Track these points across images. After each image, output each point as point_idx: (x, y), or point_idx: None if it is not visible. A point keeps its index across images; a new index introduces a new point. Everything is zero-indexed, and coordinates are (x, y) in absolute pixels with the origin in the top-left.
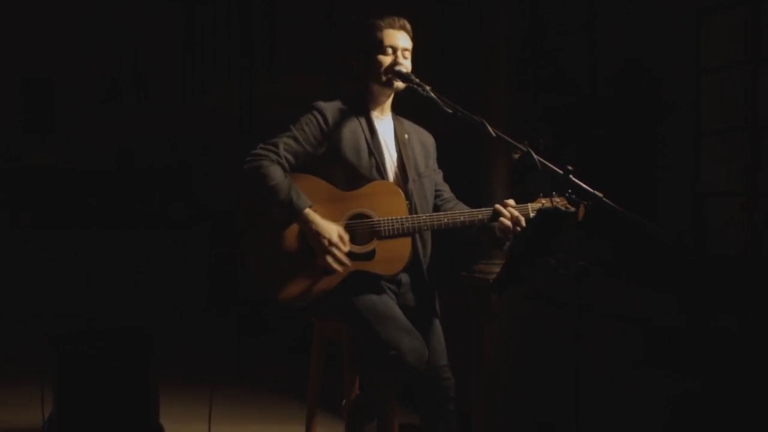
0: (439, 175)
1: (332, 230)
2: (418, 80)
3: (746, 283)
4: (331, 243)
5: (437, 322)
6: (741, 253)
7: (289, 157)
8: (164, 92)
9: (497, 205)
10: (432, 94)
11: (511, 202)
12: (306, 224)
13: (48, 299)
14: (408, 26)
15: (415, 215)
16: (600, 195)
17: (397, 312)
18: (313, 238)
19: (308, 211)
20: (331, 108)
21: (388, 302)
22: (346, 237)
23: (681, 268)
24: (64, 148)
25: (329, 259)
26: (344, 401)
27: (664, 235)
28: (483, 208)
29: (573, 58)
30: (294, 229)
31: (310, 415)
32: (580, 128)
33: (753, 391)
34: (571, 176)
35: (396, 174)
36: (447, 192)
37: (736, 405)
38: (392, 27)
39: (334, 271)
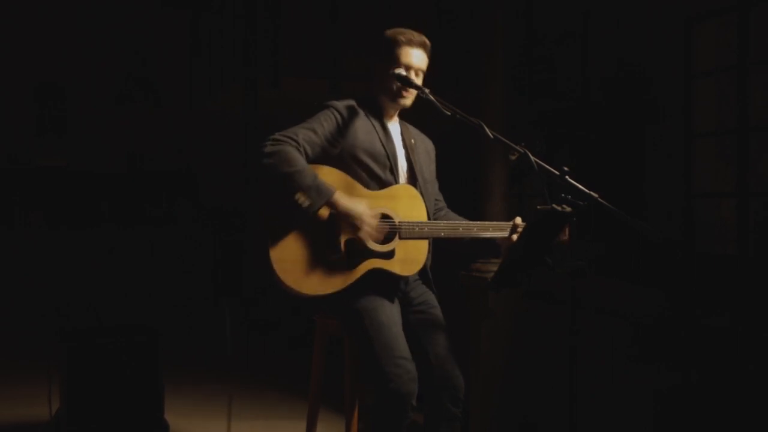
0: (437, 185)
1: (361, 208)
2: (417, 83)
3: (736, 281)
4: (363, 220)
5: (443, 325)
6: (730, 251)
7: (307, 147)
8: (172, 97)
9: (514, 222)
10: (431, 97)
11: (518, 220)
12: (336, 206)
13: (58, 295)
14: (428, 44)
15: (433, 221)
16: (596, 195)
17: (400, 336)
18: (344, 219)
19: (338, 193)
20: (346, 108)
21: (393, 324)
22: (373, 212)
23: (672, 266)
24: (75, 151)
25: (363, 234)
26: None
27: (655, 235)
28: (494, 222)
29: (567, 64)
30: (311, 222)
31: (312, 411)
32: (573, 132)
33: (741, 385)
34: (567, 177)
35: (406, 177)
36: (441, 201)
37: (724, 398)
38: (411, 45)
39: (354, 263)
